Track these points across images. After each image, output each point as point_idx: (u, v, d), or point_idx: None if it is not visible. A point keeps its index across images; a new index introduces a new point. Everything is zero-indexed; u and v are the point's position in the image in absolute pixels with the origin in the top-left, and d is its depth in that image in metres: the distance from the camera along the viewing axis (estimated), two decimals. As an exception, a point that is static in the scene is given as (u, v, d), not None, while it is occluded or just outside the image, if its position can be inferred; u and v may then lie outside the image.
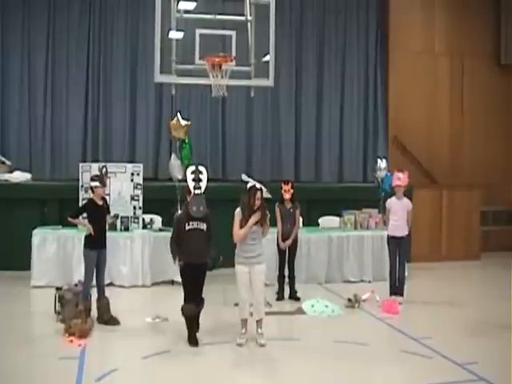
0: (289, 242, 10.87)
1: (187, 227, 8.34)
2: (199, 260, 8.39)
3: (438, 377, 7.22)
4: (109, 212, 9.66)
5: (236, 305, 10.36)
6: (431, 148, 16.86)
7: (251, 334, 8.39)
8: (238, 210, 8.35)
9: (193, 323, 8.48)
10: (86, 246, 9.29)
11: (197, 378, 7.13)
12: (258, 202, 8.18)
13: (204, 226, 8.45)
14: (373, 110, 16.72)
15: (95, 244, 9.22)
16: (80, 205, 9.82)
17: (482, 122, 17.42)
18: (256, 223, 8.19)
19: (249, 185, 8.34)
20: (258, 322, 8.39)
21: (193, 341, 8.30)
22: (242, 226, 8.23)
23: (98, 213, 9.33)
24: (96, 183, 9.30)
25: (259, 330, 8.37)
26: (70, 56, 14.87)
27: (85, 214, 9.43)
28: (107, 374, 7.07)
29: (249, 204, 8.17)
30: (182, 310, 8.45)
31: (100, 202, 9.35)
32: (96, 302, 9.30)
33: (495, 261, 15.49)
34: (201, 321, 8.83)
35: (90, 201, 9.45)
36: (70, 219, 9.35)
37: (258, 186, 8.30)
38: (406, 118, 16.66)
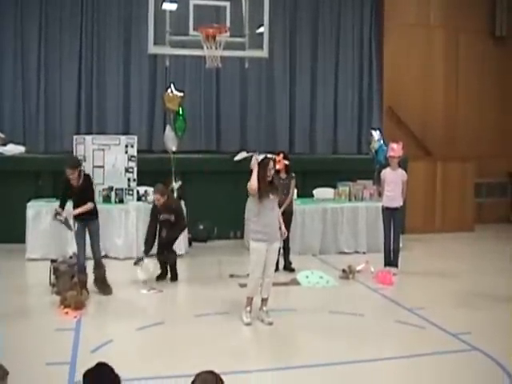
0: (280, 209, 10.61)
1: (160, 218, 10.31)
2: (167, 240, 10.33)
3: (432, 347, 7.27)
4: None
5: (231, 276, 10.47)
6: (426, 120, 16.84)
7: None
8: (254, 160, 8.16)
9: (163, 266, 10.35)
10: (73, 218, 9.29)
11: (192, 348, 7.15)
12: (271, 172, 8.08)
13: (172, 217, 10.28)
14: (367, 81, 16.63)
15: (79, 216, 9.18)
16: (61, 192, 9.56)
17: (477, 94, 17.37)
18: (273, 193, 8.08)
19: (257, 159, 8.19)
20: (265, 301, 8.22)
21: (158, 278, 10.24)
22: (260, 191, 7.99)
23: (75, 194, 9.19)
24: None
25: (264, 308, 8.21)
26: (63, 29, 14.68)
27: None
28: (103, 346, 7.09)
29: (263, 176, 8.03)
30: (156, 257, 10.38)
31: (74, 181, 9.09)
32: (93, 272, 9.39)
33: (489, 233, 15.58)
34: (196, 291, 9.34)
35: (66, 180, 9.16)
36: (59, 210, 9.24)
37: (269, 155, 8.21)
38: (400, 89, 16.60)
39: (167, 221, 10.30)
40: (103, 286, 9.34)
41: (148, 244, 10.28)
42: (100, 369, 3.48)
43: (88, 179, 9.32)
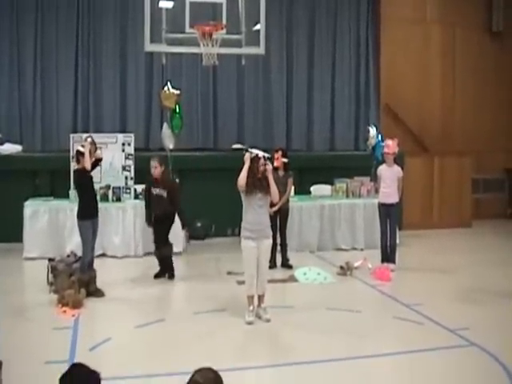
0: (275, 208, 10.61)
1: (153, 192, 10.26)
2: (163, 213, 10.17)
3: (430, 342, 7.27)
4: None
5: (229, 273, 10.48)
6: (423, 116, 16.84)
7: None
8: (247, 155, 8.13)
9: (161, 263, 10.36)
10: (79, 216, 9.29)
11: (190, 345, 7.16)
12: (261, 169, 8.06)
13: (164, 193, 10.16)
14: (364, 78, 16.64)
15: (89, 212, 9.22)
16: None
17: (473, 90, 17.38)
18: (261, 191, 8.06)
19: (250, 154, 8.16)
20: (261, 297, 8.22)
21: (156, 276, 10.27)
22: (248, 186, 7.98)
23: (90, 181, 9.40)
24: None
25: (262, 305, 8.21)
26: (60, 28, 14.65)
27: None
28: (101, 344, 7.10)
29: (254, 172, 8.01)
30: (154, 253, 10.51)
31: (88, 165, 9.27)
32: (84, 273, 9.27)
33: (486, 228, 15.60)
34: (194, 288, 9.38)
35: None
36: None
37: (260, 154, 8.16)
38: (397, 86, 16.60)
39: (160, 197, 10.17)
40: (94, 289, 9.16)
41: (148, 211, 10.40)
42: (74, 371, 3.41)
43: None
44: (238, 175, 7.99)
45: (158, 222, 10.24)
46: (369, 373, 6.51)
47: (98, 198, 11.52)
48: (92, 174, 9.52)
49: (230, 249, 11.80)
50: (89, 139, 9.48)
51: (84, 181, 9.35)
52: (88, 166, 9.19)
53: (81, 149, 9.35)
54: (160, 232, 10.28)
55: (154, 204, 10.21)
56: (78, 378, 3.37)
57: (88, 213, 9.29)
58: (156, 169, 10.16)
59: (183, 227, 10.62)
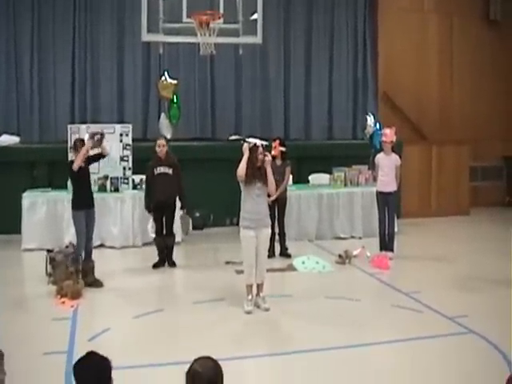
0: (272, 197, 10.57)
1: (155, 172, 10.26)
2: (167, 198, 10.20)
3: (429, 330, 7.30)
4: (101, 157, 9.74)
5: (227, 263, 10.49)
6: (421, 104, 16.81)
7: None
8: (246, 145, 8.14)
9: (162, 253, 10.38)
10: (72, 207, 9.25)
11: (189, 335, 7.18)
12: (260, 157, 8.05)
13: (170, 171, 10.24)
14: (362, 66, 16.60)
15: (82, 203, 9.19)
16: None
17: (471, 78, 17.35)
18: (262, 182, 8.04)
19: (249, 144, 8.15)
20: (260, 286, 8.23)
21: (155, 266, 10.30)
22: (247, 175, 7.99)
23: (87, 174, 9.33)
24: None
25: (261, 294, 8.22)
26: (57, 19, 14.58)
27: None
28: (100, 334, 7.12)
29: (253, 162, 8.01)
30: (154, 241, 10.49)
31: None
32: (82, 264, 9.23)
33: (484, 216, 15.62)
34: (193, 278, 9.37)
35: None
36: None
37: (258, 143, 8.15)
38: (395, 74, 16.57)
39: (165, 175, 10.25)
40: (92, 280, 9.17)
41: (148, 198, 10.42)
42: (89, 358, 3.47)
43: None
44: (237, 165, 7.99)
45: (162, 210, 10.28)
46: (368, 361, 6.53)
47: (96, 188, 11.57)
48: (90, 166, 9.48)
49: (228, 239, 11.80)
50: (97, 136, 9.24)
51: (74, 174, 9.22)
52: (77, 164, 8.99)
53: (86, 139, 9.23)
54: (166, 221, 10.35)
55: (158, 186, 10.16)
56: (92, 365, 3.42)
57: (81, 203, 9.18)
58: (164, 147, 10.30)
59: (182, 208, 10.62)
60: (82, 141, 9.27)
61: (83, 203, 9.22)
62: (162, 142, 10.39)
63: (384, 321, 7.82)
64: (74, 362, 3.46)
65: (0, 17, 14.27)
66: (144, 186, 11.10)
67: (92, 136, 9.18)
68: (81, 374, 3.39)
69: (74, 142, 9.53)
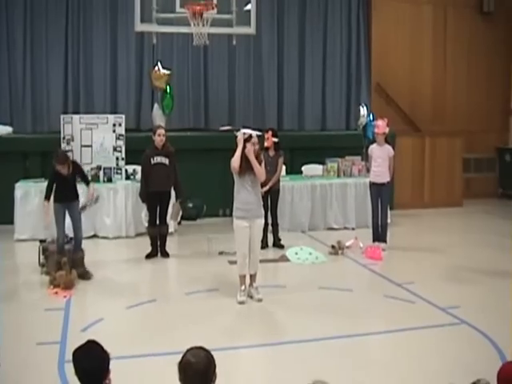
0: (265, 188, 10.57)
1: (152, 162, 10.17)
2: (163, 188, 10.23)
3: (421, 321, 7.33)
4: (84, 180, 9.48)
5: (221, 253, 10.50)
6: (414, 95, 16.81)
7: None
8: (240, 136, 8.08)
9: (154, 243, 10.36)
10: (53, 200, 9.15)
11: (182, 325, 7.18)
12: (255, 148, 8.02)
13: (166, 161, 10.19)
14: (355, 57, 16.56)
15: (61, 198, 9.11)
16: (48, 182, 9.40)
17: (465, 70, 17.35)
18: (254, 173, 8.00)
19: (243, 135, 8.11)
20: (253, 277, 8.24)
21: (148, 256, 10.28)
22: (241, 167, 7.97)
23: (65, 181, 9.08)
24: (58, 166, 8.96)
25: (254, 284, 8.24)
26: (49, 8, 14.46)
27: None
28: (93, 324, 7.12)
29: (245, 153, 7.98)
30: (147, 231, 10.59)
31: (64, 172, 8.98)
32: (72, 254, 9.16)
33: (477, 207, 15.64)
34: (186, 269, 9.37)
35: (55, 172, 9.07)
36: (45, 203, 9.06)
37: (251, 132, 8.11)
38: (388, 65, 16.56)
39: (161, 165, 10.21)
40: (81, 271, 9.08)
41: (142, 189, 10.35)
42: (89, 346, 3.50)
43: (77, 165, 9.35)
44: (230, 156, 7.98)
45: (157, 199, 10.27)
46: (361, 351, 6.55)
47: (89, 178, 11.50)
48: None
49: (221, 229, 11.81)
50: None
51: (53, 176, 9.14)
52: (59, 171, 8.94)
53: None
54: (160, 210, 10.35)
55: (154, 175, 10.13)
56: (91, 354, 3.46)
57: (58, 196, 9.05)
58: (164, 137, 10.28)
59: (177, 199, 10.62)
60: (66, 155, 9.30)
61: (60, 196, 9.03)
62: (162, 131, 10.34)
63: (377, 311, 7.85)
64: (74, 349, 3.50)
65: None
66: (139, 176, 11.07)
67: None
68: (81, 360, 3.43)
69: (65, 155, 9.34)
